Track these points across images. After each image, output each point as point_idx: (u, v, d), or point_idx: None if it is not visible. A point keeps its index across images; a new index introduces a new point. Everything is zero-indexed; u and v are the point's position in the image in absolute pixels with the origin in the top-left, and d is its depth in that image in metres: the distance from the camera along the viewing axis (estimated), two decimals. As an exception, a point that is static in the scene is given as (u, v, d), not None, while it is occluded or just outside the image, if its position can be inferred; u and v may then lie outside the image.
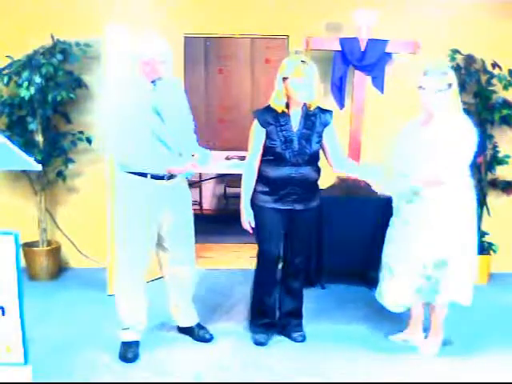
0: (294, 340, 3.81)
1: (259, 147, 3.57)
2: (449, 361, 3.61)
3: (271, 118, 3.53)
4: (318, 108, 3.59)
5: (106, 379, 3.27)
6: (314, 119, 3.56)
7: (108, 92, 3.45)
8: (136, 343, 3.58)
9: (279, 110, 3.52)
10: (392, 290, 3.69)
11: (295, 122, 3.55)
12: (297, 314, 3.89)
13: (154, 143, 3.38)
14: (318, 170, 3.66)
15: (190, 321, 3.83)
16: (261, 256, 3.73)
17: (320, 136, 3.58)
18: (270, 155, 3.56)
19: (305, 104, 3.54)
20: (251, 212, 3.62)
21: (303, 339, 3.82)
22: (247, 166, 3.63)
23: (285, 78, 3.47)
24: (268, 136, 3.54)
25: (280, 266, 3.83)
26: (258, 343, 3.75)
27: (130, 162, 3.39)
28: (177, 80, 3.61)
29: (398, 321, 3.94)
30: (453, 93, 3.45)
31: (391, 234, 3.73)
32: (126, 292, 3.55)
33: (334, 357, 3.62)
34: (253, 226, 3.63)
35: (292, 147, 3.52)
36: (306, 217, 3.66)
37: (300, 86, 3.43)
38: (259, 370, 3.43)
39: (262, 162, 3.60)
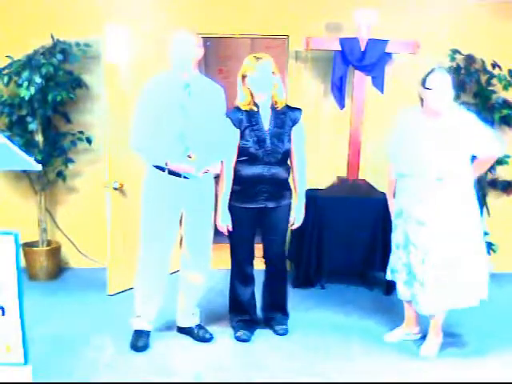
0: (276, 333, 3.86)
1: (234, 148, 3.61)
2: (449, 361, 3.60)
3: (243, 118, 3.59)
4: (287, 106, 3.67)
5: (106, 379, 3.26)
6: (284, 117, 3.63)
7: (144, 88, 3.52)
8: (147, 333, 3.67)
9: (244, 108, 3.59)
10: (426, 296, 3.57)
11: (266, 121, 3.61)
12: (281, 310, 3.95)
13: (169, 138, 3.42)
14: (288, 169, 3.73)
15: (191, 322, 3.84)
16: (234, 255, 3.82)
17: (290, 134, 3.65)
18: (244, 155, 3.60)
19: (273, 103, 3.62)
20: (229, 215, 3.67)
21: (285, 332, 3.86)
22: (224, 167, 3.63)
23: (244, 76, 3.57)
24: (242, 136, 3.59)
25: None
26: (241, 340, 3.77)
27: (137, 150, 3.51)
28: (217, 87, 3.63)
29: (399, 321, 3.93)
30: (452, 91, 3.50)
31: (407, 237, 3.63)
32: (142, 281, 3.66)
33: (333, 357, 3.62)
34: (230, 229, 3.68)
35: (265, 146, 3.57)
36: (279, 215, 3.72)
37: (253, 80, 3.54)
38: (259, 370, 3.43)
39: (236, 162, 3.64)
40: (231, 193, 3.66)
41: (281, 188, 3.68)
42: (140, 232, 3.61)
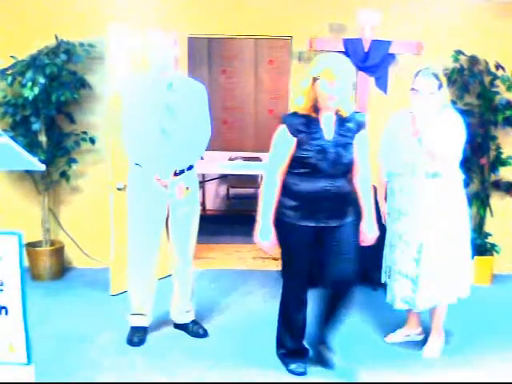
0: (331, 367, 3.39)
1: (286, 157, 3.12)
2: (450, 361, 3.60)
3: (301, 125, 3.09)
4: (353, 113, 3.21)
5: (108, 379, 3.27)
6: (350, 124, 3.16)
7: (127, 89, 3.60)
8: (144, 329, 3.74)
9: (302, 112, 3.11)
10: (420, 293, 3.59)
11: (328, 128, 3.13)
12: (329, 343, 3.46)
13: (154, 137, 3.50)
14: (349, 182, 3.29)
15: (187, 318, 3.88)
16: (288, 279, 3.35)
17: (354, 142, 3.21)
18: (302, 167, 3.12)
19: (337, 110, 3.14)
20: (271, 231, 3.17)
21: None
22: (269, 177, 3.16)
23: (315, 79, 3.05)
24: (299, 146, 3.09)
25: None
26: (298, 373, 3.35)
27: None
28: (199, 85, 3.68)
29: (401, 321, 3.92)
30: (443, 93, 3.49)
31: (399, 235, 3.69)
32: (135, 281, 3.73)
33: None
34: (272, 244, 3.21)
35: (328, 157, 3.09)
36: (345, 232, 3.23)
37: (330, 89, 3.02)
38: (259, 370, 3.42)
39: (288, 173, 3.17)
40: (286, 209, 3.17)
41: (344, 204, 3.21)
42: (128, 231, 3.68)
